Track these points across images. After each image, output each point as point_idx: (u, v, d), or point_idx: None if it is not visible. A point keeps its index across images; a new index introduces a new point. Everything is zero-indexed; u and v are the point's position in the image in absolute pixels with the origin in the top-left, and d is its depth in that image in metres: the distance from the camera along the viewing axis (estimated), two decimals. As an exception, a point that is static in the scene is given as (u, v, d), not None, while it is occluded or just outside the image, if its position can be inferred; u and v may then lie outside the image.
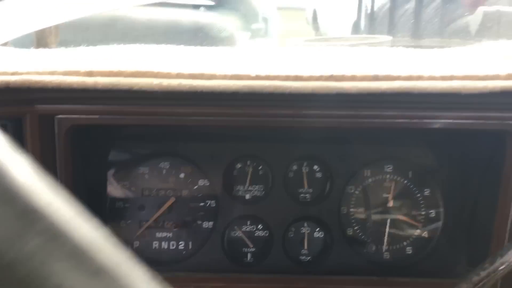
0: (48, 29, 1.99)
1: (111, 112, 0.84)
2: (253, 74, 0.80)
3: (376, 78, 0.80)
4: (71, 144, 0.90)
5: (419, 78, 0.80)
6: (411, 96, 0.81)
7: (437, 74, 0.80)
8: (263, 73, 0.80)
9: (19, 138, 0.85)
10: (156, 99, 0.82)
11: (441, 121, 0.85)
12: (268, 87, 0.79)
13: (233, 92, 0.80)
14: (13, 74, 0.78)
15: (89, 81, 0.78)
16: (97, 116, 0.86)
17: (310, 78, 0.80)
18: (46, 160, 0.86)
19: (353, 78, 0.80)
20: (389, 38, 2.76)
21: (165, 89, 0.79)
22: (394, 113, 0.83)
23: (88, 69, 0.79)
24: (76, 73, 0.79)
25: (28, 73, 0.78)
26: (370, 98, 0.81)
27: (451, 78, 0.79)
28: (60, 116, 0.86)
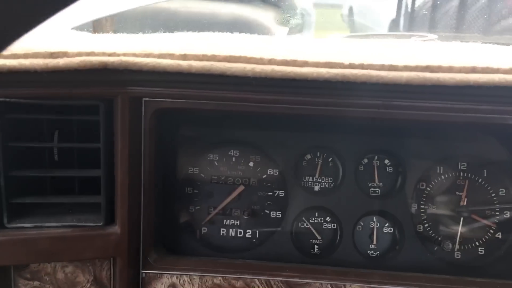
0: (105, 18, 2.02)
1: (199, 97, 0.84)
2: (346, 62, 0.79)
3: (474, 70, 0.78)
4: (155, 126, 0.90)
5: (521, 71, 0.77)
6: (510, 90, 0.78)
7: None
8: (356, 61, 0.79)
9: (109, 119, 0.86)
10: (246, 85, 0.82)
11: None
12: (362, 76, 0.78)
13: (326, 80, 0.79)
14: (110, 55, 0.78)
15: (184, 64, 0.79)
16: (183, 100, 0.86)
17: (405, 68, 0.78)
18: (133, 141, 0.87)
19: (450, 69, 0.78)
20: (435, 36, 2.70)
21: (257, 75, 0.79)
22: (491, 107, 0.80)
23: (182, 52, 0.79)
24: (171, 56, 0.80)
25: (125, 54, 0.79)
26: (466, 91, 0.79)
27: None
28: (147, 98, 0.87)
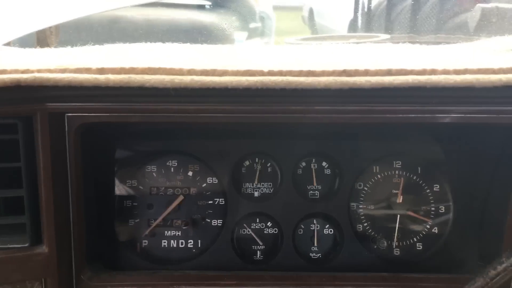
0: (49, 29, 1.97)
1: (122, 110, 0.83)
2: (265, 69, 0.80)
3: (389, 72, 0.79)
4: (80, 142, 0.89)
5: (433, 72, 0.79)
6: (425, 90, 0.80)
7: (451, 68, 0.79)
8: (275, 68, 0.80)
9: (30, 137, 0.84)
10: (167, 96, 0.81)
11: (454, 115, 0.84)
12: (280, 82, 0.79)
13: (246, 88, 0.79)
14: (23, 72, 0.77)
15: (101, 78, 0.77)
16: (107, 114, 0.85)
17: (323, 74, 0.79)
18: (57, 158, 0.86)
19: (366, 72, 0.79)
20: (388, 36, 2.75)
21: (177, 86, 0.79)
22: (407, 107, 0.82)
23: (99, 66, 0.78)
24: (88, 71, 0.78)
25: (39, 70, 0.77)
26: (383, 93, 0.81)
27: (465, 72, 0.79)
28: (70, 114, 0.85)
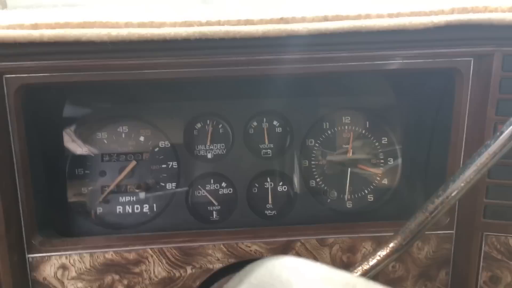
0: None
1: (61, 68, 0.82)
2: (203, 20, 0.80)
3: (326, 18, 0.81)
4: (22, 105, 0.87)
5: (367, 16, 0.81)
6: (361, 35, 0.82)
7: (385, 12, 0.81)
8: (213, 18, 0.80)
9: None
10: (105, 52, 0.80)
11: (392, 61, 0.87)
12: (218, 32, 0.79)
13: (185, 39, 0.79)
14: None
15: (35, 33, 0.76)
16: (46, 74, 0.84)
17: (260, 22, 0.80)
18: (-3, 121, 0.84)
19: (303, 19, 0.80)
20: None
21: (114, 39, 0.78)
22: (346, 54, 0.84)
23: (33, 21, 0.77)
24: (21, 26, 0.77)
25: (-32, 27, 0.75)
26: (321, 40, 0.82)
27: (398, 15, 0.81)
28: (8, 75, 0.84)
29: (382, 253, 0.80)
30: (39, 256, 0.92)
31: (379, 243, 0.96)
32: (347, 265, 0.97)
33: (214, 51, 0.83)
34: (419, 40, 0.83)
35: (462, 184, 0.74)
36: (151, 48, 0.80)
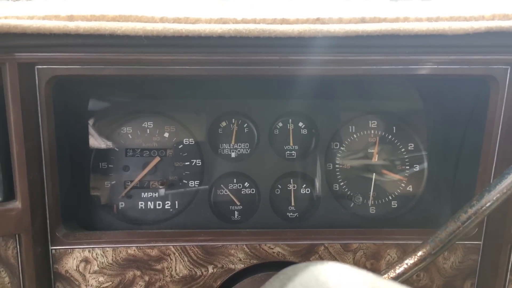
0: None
1: (94, 61, 0.82)
2: (239, 17, 0.79)
3: (363, 20, 0.79)
4: (53, 97, 0.87)
5: (406, 19, 0.79)
6: (398, 38, 0.80)
7: (424, 15, 0.80)
8: (249, 16, 0.79)
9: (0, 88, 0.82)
10: (139, 46, 0.80)
11: (427, 66, 0.85)
12: (254, 30, 0.78)
13: (219, 37, 0.79)
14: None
15: (71, 25, 0.76)
16: (78, 67, 0.83)
17: (297, 21, 0.79)
18: (28, 112, 0.84)
19: (340, 20, 0.79)
20: None
21: (149, 33, 0.77)
22: (381, 57, 0.82)
23: (69, 13, 0.76)
24: (57, 17, 0.76)
25: (6, 17, 0.75)
26: (357, 42, 0.81)
27: (437, 19, 0.79)
28: (40, 66, 0.84)
29: (410, 261, 0.78)
30: (63, 249, 0.92)
31: (404, 251, 0.95)
32: (371, 272, 0.95)
33: (248, 49, 0.82)
34: (456, 45, 0.82)
35: (498, 195, 0.72)
36: (185, 44, 0.80)
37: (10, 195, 0.87)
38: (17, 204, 0.86)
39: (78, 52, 0.81)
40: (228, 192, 1.12)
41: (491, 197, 0.73)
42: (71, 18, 0.76)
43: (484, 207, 0.73)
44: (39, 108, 0.86)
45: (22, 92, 0.82)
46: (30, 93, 0.84)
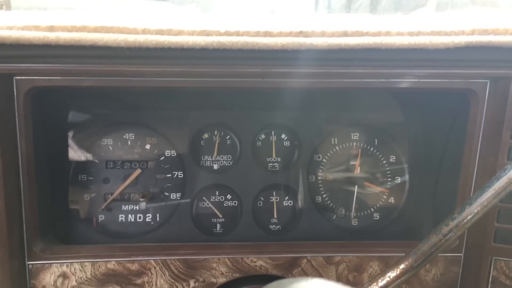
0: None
1: (74, 72, 0.80)
2: (222, 29, 0.79)
3: (345, 34, 0.80)
4: (31, 108, 0.85)
5: (387, 33, 0.80)
6: (380, 52, 0.81)
7: (405, 30, 0.81)
8: (232, 28, 0.79)
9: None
10: (121, 58, 0.79)
11: (408, 80, 0.86)
12: (237, 42, 0.78)
13: (202, 49, 0.78)
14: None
15: (51, 36, 0.74)
16: (58, 78, 0.82)
17: (280, 34, 0.79)
18: (5, 123, 0.82)
19: (323, 34, 0.79)
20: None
21: (131, 45, 0.76)
22: (363, 70, 0.83)
23: (49, 24, 0.75)
24: (36, 28, 0.75)
25: (-17, 27, 0.73)
26: (339, 55, 0.81)
27: (419, 33, 0.80)
28: (19, 77, 0.82)
29: (392, 274, 0.78)
30: (40, 264, 0.90)
31: (386, 263, 0.95)
32: (353, 285, 0.95)
33: (231, 61, 0.81)
34: (437, 59, 0.83)
35: (479, 208, 0.73)
36: (167, 55, 0.79)
37: (-15, 209, 0.84)
38: None
39: (58, 63, 0.79)
40: (210, 205, 1.11)
41: (472, 210, 0.74)
42: (51, 28, 0.75)
43: (465, 220, 0.74)
44: (17, 120, 0.84)
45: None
46: (8, 104, 0.82)
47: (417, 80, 0.87)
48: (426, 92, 0.92)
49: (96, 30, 0.76)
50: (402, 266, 0.78)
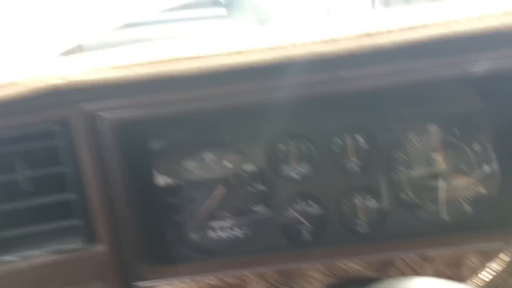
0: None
1: (153, 104, 0.86)
2: (288, 44, 0.81)
3: (412, 28, 0.79)
4: (118, 140, 0.92)
5: (456, 22, 0.78)
6: (449, 42, 0.79)
7: (473, 15, 0.78)
8: (298, 41, 0.81)
9: (68, 141, 0.87)
10: (195, 84, 0.83)
11: (483, 62, 0.83)
12: (305, 54, 0.79)
13: (271, 65, 0.81)
14: (61, 78, 0.80)
15: (132, 73, 0.80)
16: (141, 110, 0.88)
17: (346, 39, 0.80)
18: (99, 158, 0.89)
19: (389, 32, 0.79)
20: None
21: (204, 71, 0.80)
22: (433, 61, 0.81)
23: (127, 62, 0.81)
24: (117, 67, 0.81)
25: (69, 74, 0.81)
26: (407, 51, 0.80)
27: (489, 16, 0.78)
28: (102, 112, 0.88)
29: (495, 266, 0.76)
30: (146, 286, 0.96)
31: (486, 255, 0.91)
32: (453, 279, 0.92)
33: (296, 76, 0.83)
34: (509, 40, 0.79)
35: None
36: (237, 76, 0.82)
37: (90, 240, 0.92)
38: (100, 248, 0.90)
39: (139, 95, 0.85)
40: (295, 213, 1.13)
41: None
42: (129, 66, 0.81)
43: None
44: (108, 154, 0.91)
45: (89, 140, 0.87)
46: (97, 141, 0.89)
47: (491, 61, 0.83)
48: (502, 77, 0.88)
49: (169, 61, 0.81)
50: (504, 257, 0.75)
